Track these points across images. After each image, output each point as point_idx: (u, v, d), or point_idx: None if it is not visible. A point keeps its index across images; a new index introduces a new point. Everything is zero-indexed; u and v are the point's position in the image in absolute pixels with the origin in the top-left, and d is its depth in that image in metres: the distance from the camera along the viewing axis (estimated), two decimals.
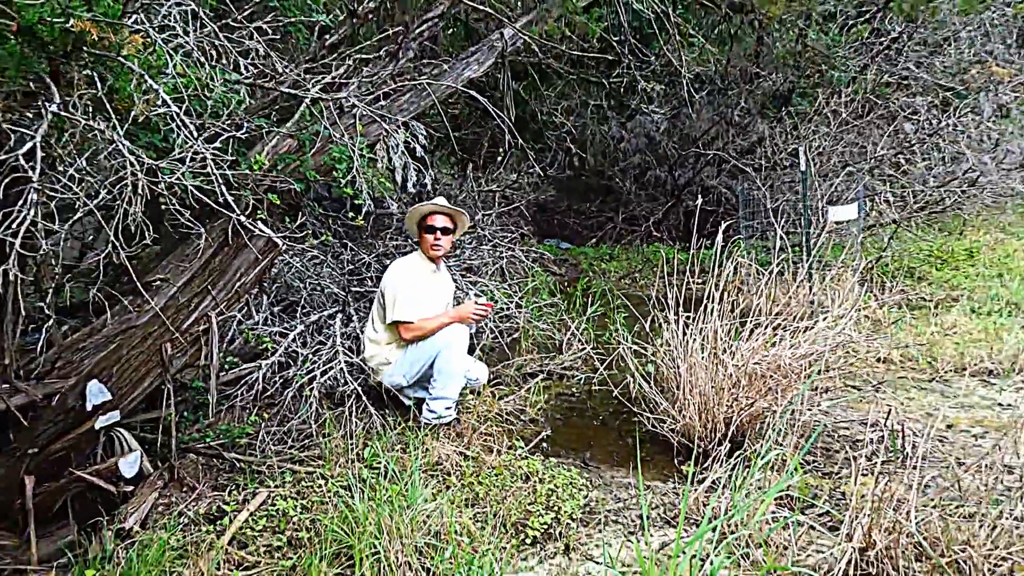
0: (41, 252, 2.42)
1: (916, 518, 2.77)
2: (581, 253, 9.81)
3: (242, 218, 3.39)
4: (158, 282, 3.65)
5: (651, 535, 3.18)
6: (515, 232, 8.39)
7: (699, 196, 6.57)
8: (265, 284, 4.90)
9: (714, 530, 2.61)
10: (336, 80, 4.57)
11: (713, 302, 4.22)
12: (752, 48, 8.55)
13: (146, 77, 2.08)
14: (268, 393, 4.26)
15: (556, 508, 3.36)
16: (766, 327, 4.16)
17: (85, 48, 1.81)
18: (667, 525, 3.32)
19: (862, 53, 8.16)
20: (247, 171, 3.76)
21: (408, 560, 2.89)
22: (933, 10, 7.00)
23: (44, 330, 3.44)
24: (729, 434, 3.79)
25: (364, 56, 5.12)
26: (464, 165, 8.84)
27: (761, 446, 3.16)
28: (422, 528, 3.05)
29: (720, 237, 4.55)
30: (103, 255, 3.52)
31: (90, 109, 2.06)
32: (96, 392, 3.02)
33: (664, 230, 9.98)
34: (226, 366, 3.98)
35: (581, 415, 4.68)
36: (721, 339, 4.06)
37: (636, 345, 4.68)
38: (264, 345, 4.38)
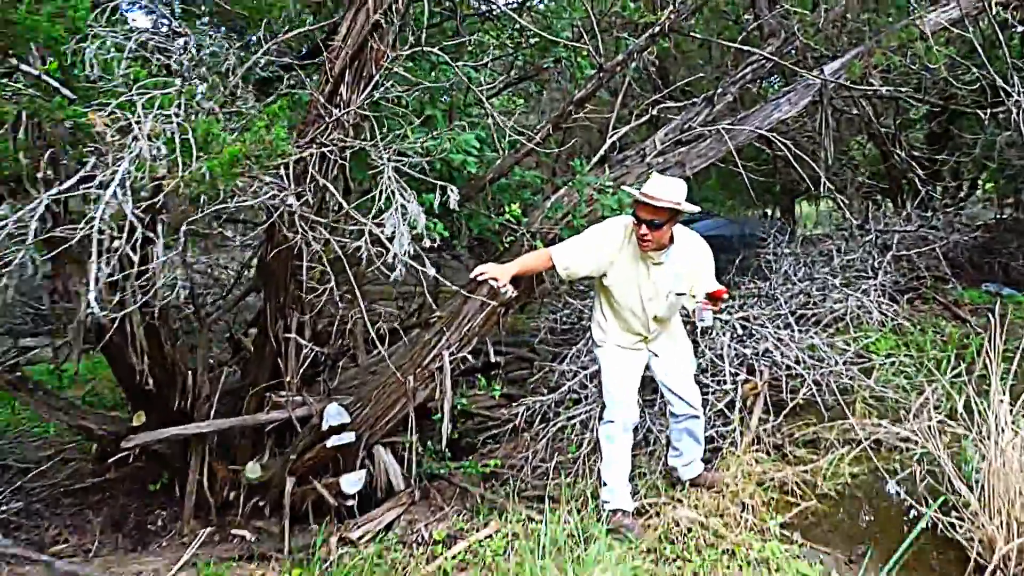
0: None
1: None
2: (1018, 302, 6.98)
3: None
4: (435, 319, 3.56)
5: None
6: (925, 276, 6.32)
7: None
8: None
9: None
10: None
11: None
12: None
13: None
14: (534, 430, 3.81)
15: None
16: None
17: None
18: None
19: None
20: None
21: None
22: None
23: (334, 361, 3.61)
24: None
25: (676, 104, 4.51)
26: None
27: None
28: None
29: None
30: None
31: None
32: (334, 414, 2.96)
33: None
34: (457, 404, 3.60)
35: (887, 499, 3.24)
36: None
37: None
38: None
